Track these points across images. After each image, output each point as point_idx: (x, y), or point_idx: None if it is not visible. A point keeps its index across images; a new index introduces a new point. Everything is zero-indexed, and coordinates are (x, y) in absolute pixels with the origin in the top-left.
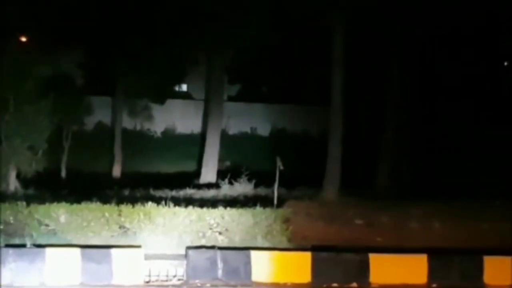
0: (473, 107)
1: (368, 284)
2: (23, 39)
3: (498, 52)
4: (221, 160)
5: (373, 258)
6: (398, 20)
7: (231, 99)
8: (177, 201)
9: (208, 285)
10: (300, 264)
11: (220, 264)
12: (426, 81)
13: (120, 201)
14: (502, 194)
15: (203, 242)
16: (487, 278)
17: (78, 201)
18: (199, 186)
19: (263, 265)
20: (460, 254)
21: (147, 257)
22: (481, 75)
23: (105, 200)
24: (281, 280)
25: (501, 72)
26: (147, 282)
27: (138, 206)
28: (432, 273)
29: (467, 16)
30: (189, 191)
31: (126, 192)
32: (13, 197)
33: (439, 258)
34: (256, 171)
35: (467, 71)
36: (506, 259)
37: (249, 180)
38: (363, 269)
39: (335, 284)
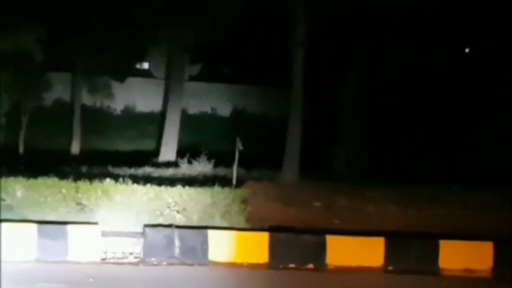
0: (432, 93)
1: (324, 266)
2: None
3: (460, 41)
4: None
5: (330, 240)
6: (360, 4)
7: (192, 78)
8: (135, 179)
9: (164, 263)
10: (257, 245)
11: (177, 243)
12: (387, 67)
13: (78, 177)
14: (459, 179)
15: (160, 220)
16: (442, 262)
17: (35, 176)
18: (158, 165)
19: (220, 244)
20: (417, 238)
21: (104, 234)
22: (442, 64)
23: (62, 176)
24: (238, 260)
25: (462, 61)
26: (104, 259)
27: (96, 183)
28: (389, 256)
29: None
30: (147, 169)
31: (84, 169)
32: None
33: (396, 241)
34: (216, 151)
35: (429, 59)
36: (461, 243)
37: (208, 159)
38: (320, 250)
39: (292, 265)
